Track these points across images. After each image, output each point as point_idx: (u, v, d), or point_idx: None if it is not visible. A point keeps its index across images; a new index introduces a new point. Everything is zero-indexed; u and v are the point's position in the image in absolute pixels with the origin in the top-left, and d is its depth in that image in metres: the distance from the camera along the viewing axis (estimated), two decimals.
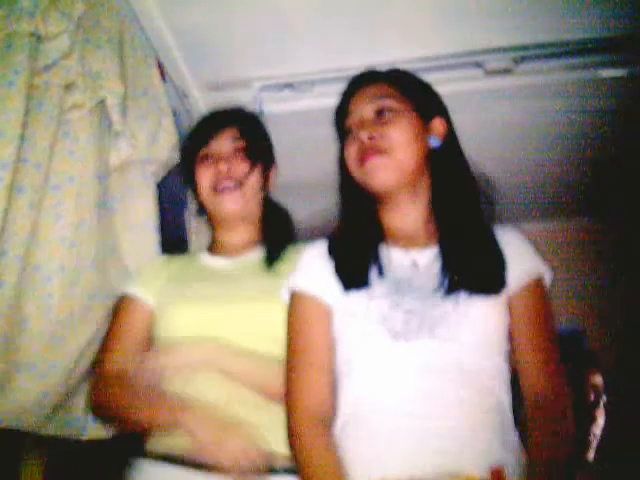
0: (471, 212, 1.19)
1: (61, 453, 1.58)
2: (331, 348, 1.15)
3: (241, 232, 1.42)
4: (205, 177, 1.38)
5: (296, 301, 1.20)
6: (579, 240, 2.93)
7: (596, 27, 1.64)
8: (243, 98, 1.83)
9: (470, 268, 1.12)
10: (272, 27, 1.61)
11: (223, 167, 1.36)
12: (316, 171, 2.36)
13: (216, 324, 1.26)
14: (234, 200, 1.37)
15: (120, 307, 1.35)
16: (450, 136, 1.23)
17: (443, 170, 1.20)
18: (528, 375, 1.10)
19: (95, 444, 1.41)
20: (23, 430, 1.22)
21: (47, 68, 1.26)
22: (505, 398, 1.09)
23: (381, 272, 1.15)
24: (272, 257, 1.37)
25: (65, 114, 1.33)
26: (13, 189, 1.15)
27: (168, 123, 1.59)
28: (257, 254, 1.40)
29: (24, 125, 1.17)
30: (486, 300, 1.10)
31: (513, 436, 1.07)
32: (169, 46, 1.64)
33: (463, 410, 1.03)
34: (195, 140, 1.42)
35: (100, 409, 1.26)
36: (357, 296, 1.13)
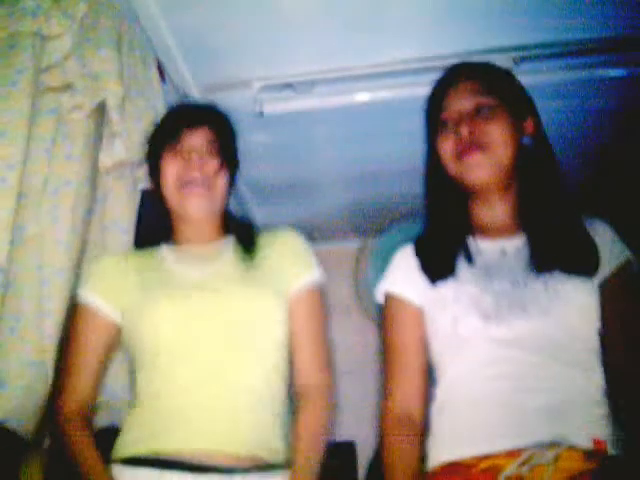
0: (560, 202, 1.21)
1: (61, 453, 1.57)
2: (422, 349, 1.21)
3: (205, 228, 1.37)
4: (172, 170, 1.31)
5: (388, 304, 1.29)
6: None
7: (596, 27, 1.64)
8: (243, 98, 1.83)
9: (560, 249, 1.14)
10: (272, 27, 1.61)
11: (195, 160, 1.30)
12: (316, 171, 2.37)
13: (202, 329, 1.23)
14: (201, 201, 1.31)
15: (80, 319, 1.28)
16: (540, 135, 1.25)
17: (534, 166, 1.22)
18: (615, 354, 1.12)
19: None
20: (20, 433, 1.21)
21: (45, 69, 1.26)
22: (598, 373, 1.11)
23: (470, 260, 1.19)
24: (248, 246, 1.35)
25: (65, 116, 1.33)
26: (18, 188, 1.15)
27: None
28: (225, 245, 1.36)
29: (29, 125, 1.17)
30: (578, 281, 1.12)
31: (608, 410, 1.08)
32: (169, 46, 1.64)
33: (560, 384, 1.06)
34: (166, 132, 1.35)
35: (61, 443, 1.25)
36: (446, 286, 1.17)
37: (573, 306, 1.10)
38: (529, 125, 1.24)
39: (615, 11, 1.58)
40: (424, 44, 1.69)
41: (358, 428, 2.76)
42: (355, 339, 2.90)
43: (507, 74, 1.31)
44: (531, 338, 1.08)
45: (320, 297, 1.40)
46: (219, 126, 1.38)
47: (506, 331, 1.09)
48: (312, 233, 3.19)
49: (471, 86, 1.21)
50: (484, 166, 1.17)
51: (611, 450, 1.02)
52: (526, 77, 1.76)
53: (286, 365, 1.32)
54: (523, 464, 1.00)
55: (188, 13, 1.54)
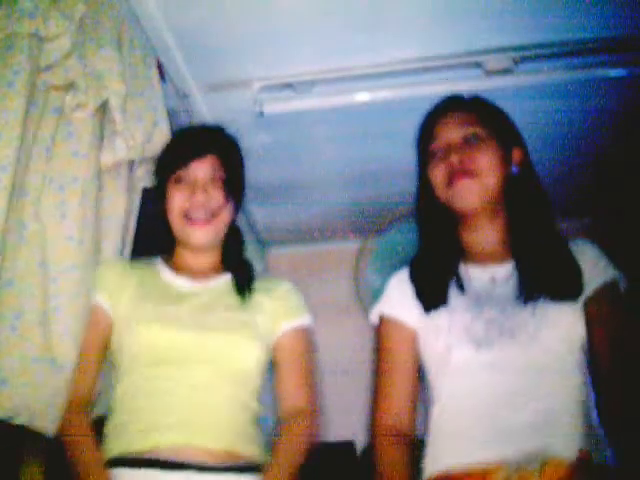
0: (546, 229, 1.27)
1: (61, 453, 1.58)
2: (413, 369, 1.29)
3: (207, 257, 1.41)
4: (178, 201, 1.34)
5: (383, 325, 1.35)
6: None
7: (596, 27, 1.64)
8: (243, 98, 1.83)
9: (547, 276, 1.20)
10: (272, 27, 1.61)
11: (200, 197, 1.32)
12: (316, 171, 2.37)
13: (185, 350, 1.27)
14: (205, 233, 1.34)
15: (89, 319, 1.32)
16: (526, 164, 1.32)
17: (521, 195, 1.28)
18: (602, 369, 1.17)
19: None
20: (33, 428, 1.21)
21: (47, 68, 1.26)
22: (587, 392, 1.17)
23: (461, 288, 1.25)
24: (243, 289, 1.38)
25: (68, 115, 1.33)
26: (15, 190, 1.14)
27: (163, 123, 1.58)
28: (223, 281, 1.40)
29: (25, 126, 1.17)
30: (563, 306, 1.18)
31: (597, 428, 1.14)
32: (169, 46, 1.64)
33: (545, 401, 1.12)
34: (173, 159, 1.37)
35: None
36: (439, 315, 1.24)
37: (559, 330, 1.17)
38: (517, 155, 1.31)
39: (615, 11, 1.58)
40: (424, 44, 1.69)
41: (358, 428, 2.76)
42: (354, 339, 2.90)
43: (493, 106, 1.36)
44: (518, 361, 1.15)
45: (309, 337, 1.44)
46: (227, 154, 1.39)
47: (495, 356, 1.16)
48: (312, 233, 3.21)
49: (460, 117, 1.29)
50: (473, 192, 1.23)
51: (596, 459, 1.08)
52: (526, 77, 1.78)
53: (258, 387, 1.35)
54: (512, 472, 1.06)
55: (188, 13, 1.54)
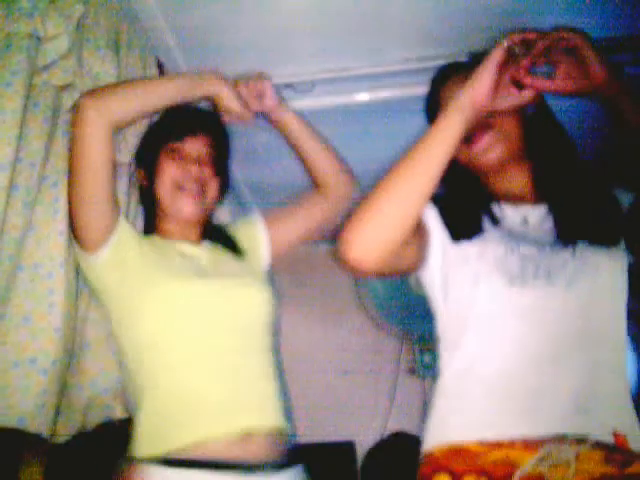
0: (574, 170, 1.19)
1: (61, 453, 1.58)
2: None
3: (192, 230, 1.42)
4: (170, 172, 1.35)
5: None
6: None
7: (596, 27, 1.63)
8: None
9: (584, 219, 1.11)
10: (272, 27, 1.61)
11: (194, 170, 1.35)
12: None
13: (214, 304, 1.28)
14: (195, 205, 1.35)
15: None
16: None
17: (540, 133, 1.20)
18: None
19: (95, 444, 1.41)
20: (23, 430, 1.21)
21: (45, 68, 1.26)
22: (624, 360, 1.07)
23: (494, 221, 1.15)
24: (237, 248, 1.43)
25: (64, 115, 1.33)
26: (9, 189, 1.14)
27: None
28: (208, 245, 1.43)
29: (22, 126, 1.17)
30: (605, 251, 1.08)
31: (630, 403, 1.05)
32: (169, 46, 1.64)
33: (585, 369, 1.01)
34: (168, 133, 1.39)
35: (94, 113, 1.20)
36: (469, 243, 1.13)
37: (601, 279, 1.07)
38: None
39: (615, 11, 1.58)
40: (424, 44, 1.69)
41: (358, 428, 2.77)
42: (355, 339, 2.91)
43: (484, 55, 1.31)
44: (555, 311, 1.05)
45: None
46: (218, 136, 1.43)
47: (530, 300, 1.05)
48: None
49: (463, 76, 1.21)
50: (495, 146, 1.16)
51: (632, 445, 0.98)
52: None
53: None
54: (542, 460, 0.94)
55: (188, 13, 1.54)
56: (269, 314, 1.35)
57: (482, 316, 1.08)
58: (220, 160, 1.42)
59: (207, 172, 1.37)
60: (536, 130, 1.20)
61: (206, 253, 1.39)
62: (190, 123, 1.39)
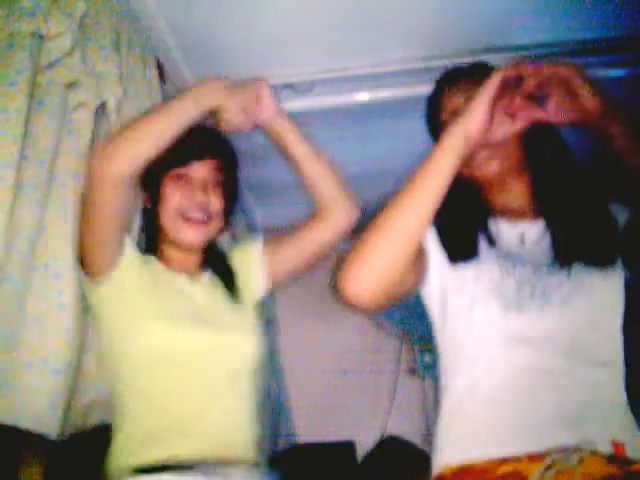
0: (572, 182, 1.18)
1: (61, 453, 1.58)
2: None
3: (193, 257, 1.40)
4: (175, 200, 1.31)
5: None
6: None
7: (596, 27, 1.64)
8: None
9: (582, 239, 1.11)
10: (272, 27, 1.61)
11: (200, 197, 1.31)
12: None
13: (200, 347, 1.27)
14: (199, 234, 1.33)
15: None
16: None
17: (539, 145, 1.19)
18: None
19: (95, 444, 1.41)
20: (29, 430, 1.21)
21: (50, 66, 1.26)
22: (620, 373, 1.08)
23: (491, 242, 1.15)
24: (234, 288, 1.39)
25: (70, 113, 1.33)
26: (16, 187, 1.14)
27: None
28: (208, 277, 1.40)
29: (27, 124, 1.17)
30: (601, 272, 1.08)
31: (629, 414, 1.06)
32: (169, 46, 1.64)
33: (580, 384, 1.03)
34: (174, 155, 1.31)
35: (112, 151, 1.17)
36: (466, 266, 1.13)
37: (596, 298, 1.07)
38: None
39: (615, 11, 1.58)
40: (424, 44, 1.69)
41: (358, 428, 2.77)
42: (355, 339, 2.91)
43: (485, 65, 1.29)
44: (552, 335, 1.05)
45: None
46: (226, 159, 1.39)
47: (526, 325, 1.06)
48: None
49: (464, 84, 1.22)
50: (494, 158, 1.15)
51: (630, 454, 0.99)
52: None
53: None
54: (548, 469, 0.95)
55: (188, 13, 1.54)
56: (256, 360, 1.34)
57: (479, 341, 1.09)
58: (228, 184, 1.38)
59: (214, 200, 1.34)
60: (536, 141, 1.19)
61: (203, 291, 1.37)
62: (196, 147, 1.34)
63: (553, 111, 1.03)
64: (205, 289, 1.37)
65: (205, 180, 1.33)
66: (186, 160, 1.33)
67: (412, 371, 2.89)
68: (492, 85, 1.03)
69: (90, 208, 1.20)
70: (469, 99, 1.14)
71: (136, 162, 1.17)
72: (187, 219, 1.31)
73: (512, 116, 1.06)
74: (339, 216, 1.43)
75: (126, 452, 1.20)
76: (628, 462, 0.99)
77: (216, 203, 1.34)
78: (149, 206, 1.37)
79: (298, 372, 2.71)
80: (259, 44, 1.66)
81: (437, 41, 1.68)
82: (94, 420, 1.39)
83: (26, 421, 1.18)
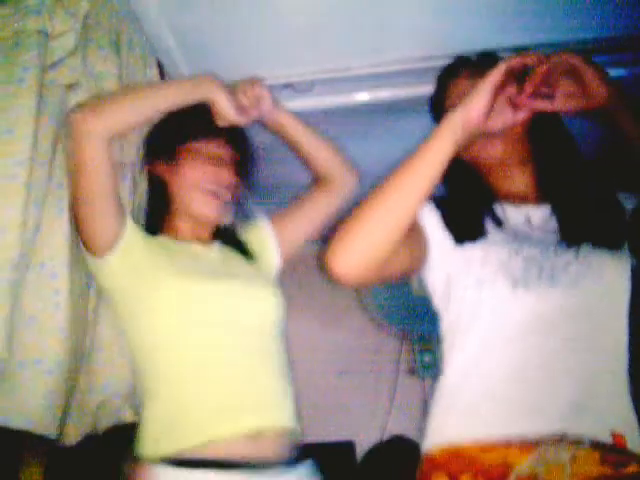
0: (577, 168, 1.18)
1: (61, 453, 1.58)
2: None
3: (205, 229, 1.41)
4: (193, 172, 1.33)
5: None
6: None
7: (596, 27, 1.64)
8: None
9: (589, 221, 1.11)
10: (272, 27, 1.61)
11: (227, 175, 1.34)
12: None
13: (226, 304, 1.27)
14: (220, 208, 1.35)
15: None
16: None
17: (544, 132, 1.19)
18: None
19: (94, 444, 1.41)
20: (27, 430, 1.21)
21: (54, 66, 1.26)
22: (623, 359, 1.07)
23: (498, 222, 1.14)
24: (248, 252, 1.42)
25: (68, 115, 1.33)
26: (28, 185, 1.14)
27: None
28: (218, 247, 1.41)
29: (37, 122, 1.16)
30: (609, 254, 1.08)
31: (630, 404, 1.05)
32: (169, 46, 1.64)
33: (585, 369, 1.02)
34: (190, 129, 1.35)
35: (92, 119, 1.19)
36: (473, 246, 1.12)
37: (603, 280, 1.07)
38: None
39: (615, 11, 1.58)
40: (424, 44, 1.69)
41: (358, 428, 2.76)
42: (355, 339, 2.90)
43: (490, 54, 1.33)
44: (558, 315, 1.05)
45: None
46: (240, 137, 1.42)
47: (533, 302, 1.06)
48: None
49: (468, 72, 1.24)
50: (495, 143, 1.16)
51: (630, 446, 0.98)
52: None
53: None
54: (538, 461, 0.95)
55: (188, 13, 1.54)
56: (279, 316, 1.34)
57: (485, 319, 1.08)
58: (242, 162, 1.41)
59: (229, 174, 1.36)
60: (540, 129, 1.19)
61: (217, 254, 1.38)
62: (214, 122, 1.35)
63: (560, 100, 1.03)
64: (220, 253, 1.39)
65: (223, 155, 1.36)
66: (205, 134, 1.35)
67: (412, 371, 2.89)
68: (496, 74, 1.03)
69: (77, 170, 1.21)
70: (473, 83, 1.15)
71: (113, 126, 1.20)
72: (206, 192, 1.33)
73: (515, 106, 1.05)
74: (342, 181, 1.49)
75: (159, 437, 1.16)
76: (623, 461, 0.97)
77: (231, 179, 1.36)
78: (160, 176, 1.37)
79: (298, 372, 2.71)
80: (259, 44, 1.66)
81: (437, 41, 1.68)
82: (106, 421, 1.38)
83: (19, 421, 1.17)
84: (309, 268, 2.97)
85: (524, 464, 0.95)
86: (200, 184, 1.33)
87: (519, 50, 1.68)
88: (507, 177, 1.20)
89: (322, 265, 1.04)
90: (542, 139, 1.20)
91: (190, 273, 1.27)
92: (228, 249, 1.42)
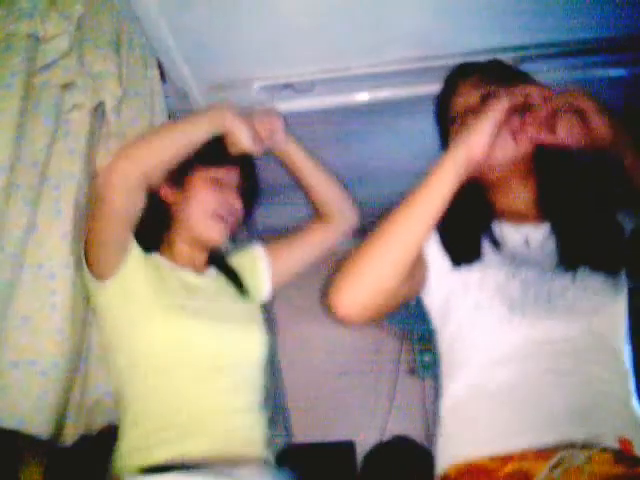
0: (578, 187, 1.17)
1: (61, 453, 1.58)
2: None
3: (204, 253, 1.42)
4: (209, 198, 1.35)
5: None
6: None
7: (596, 27, 1.64)
8: (243, 98, 1.83)
9: (587, 244, 1.10)
10: (272, 27, 1.61)
11: (236, 203, 1.37)
12: None
13: (211, 342, 1.28)
14: (223, 234, 1.37)
15: None
16: None
17: (547, 154, 1.17)
18: None
19: (95, 445, 1.41)
20: (21, 430, 1.20)
21: (46, 67, 1.26)
22: (628, 375, 1.07)
23: (496, 244, 1.13)
24: (241, 285, 1.42)
25: (66, 114, 1.33)
26: (8, 189, 1.14)
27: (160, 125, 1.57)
28: (214, 274, 1.43)
29: (20, 126, 1.16)
30: (606, 278, 1.08)
31: (636, 411, 1.05)
32: (169, 46, 1.64)
33: (587, 382, 1.02)
34: (208, 157, 1.36)
35: (126, 164, 1.19)
36: (470, 269, 1.11)
37: (602, 307, 1.07)
38: None
39: (615, 11, 1.58)
40: (424, 44, 1.69)
41: (358, 428, 2.77)
42: (355, 339, 2.91)
43: (507, 65, 1.31)
44: (557, 338, 1.04)
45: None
46: (251, 168, 1.45)
47: (530, 327, 1.05)
48: None
49: (474, 80, 1.21)
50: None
51: (637, 451, 0.98)
52: None
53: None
54: (555, 467, 0.94)
55: (188, 13, 1.54)
56: (263, 356, 1.36)
57: (484, 340, 1.08)
58: (249, 193, 1.43)
59: (238, 202, 1.39)
60: (543, 150, 1.17)
61: (211, 284, 1.38)
62: (226, 150, 1.36)
63: (562, 134, 1.03)
64: (212, 284, 1.39)
65: (232, 183, 1.38)
66: (223, 163, 1.37)
67: (412, 371, 2.89)
68: (499, 111, 1.02)
69: (102, 212, 1.21)
70: (482, 97, 1.15)
71: (146, 172, 1.20)
72: (215, 217, 1.35)
73: (517, 138, 1.05)
74: (341, 218, 1.49)
75: (133, 452, 1.20)
76: (636, 461, 0.98)
77: (238, 206, 1.39)
78: (165, 198, 1.37)
79: (298, 372, 2.71)
80: (259, 44, 1.66)
81: (437, 41, 1.68)
82: (98, 421, 1.38)
83: (11, 421, 1.17)
84: (309, 267, 2.98)
85: (542, 472, 0.94)
86: (210, 209, 1.35)
87: (519, 50, 1.69)
88: (508, 193, 1.20)
89: (325, 303, 1.04)
90: (545, 159, 1.18)
91: (179, 310, 1.27)
92: (221, 279, 1.42)
